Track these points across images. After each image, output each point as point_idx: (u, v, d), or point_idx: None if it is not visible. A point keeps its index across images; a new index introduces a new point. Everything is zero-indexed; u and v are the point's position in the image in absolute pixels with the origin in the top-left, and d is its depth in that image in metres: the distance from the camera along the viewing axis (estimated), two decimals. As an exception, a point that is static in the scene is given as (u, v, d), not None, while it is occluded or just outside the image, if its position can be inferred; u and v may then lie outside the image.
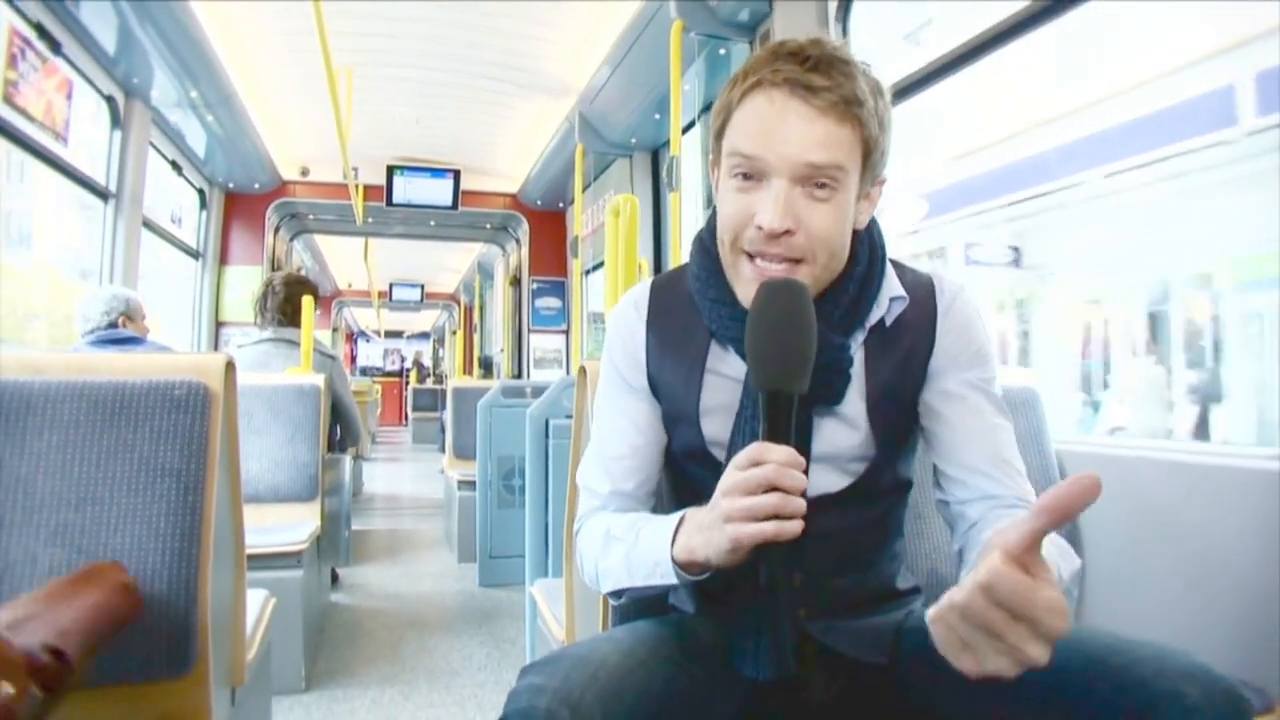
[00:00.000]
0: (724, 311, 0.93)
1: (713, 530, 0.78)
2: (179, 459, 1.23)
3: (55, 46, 3.01)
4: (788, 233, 0.84)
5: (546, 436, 2.30)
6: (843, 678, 0.96)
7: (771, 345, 0.78)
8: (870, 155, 0.87)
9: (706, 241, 0.98)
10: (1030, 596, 0.59)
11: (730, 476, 0.76)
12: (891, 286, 0.96)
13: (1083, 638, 0.77)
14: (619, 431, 1.01)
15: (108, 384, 1.22)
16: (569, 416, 2.24)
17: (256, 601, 1.70)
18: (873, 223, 0.97)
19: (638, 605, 1.03)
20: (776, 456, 0.73)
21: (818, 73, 0.83)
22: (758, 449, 0.75)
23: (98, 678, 1.14)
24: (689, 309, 0.99)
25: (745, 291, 0.89)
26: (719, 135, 0.91)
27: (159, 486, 1.21)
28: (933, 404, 0.96)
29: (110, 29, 3.13)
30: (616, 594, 0.94)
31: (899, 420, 0.96)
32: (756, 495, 0.73)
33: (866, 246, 0.95)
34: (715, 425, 0.95)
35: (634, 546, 0.89)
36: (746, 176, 0.86)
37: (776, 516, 0.73)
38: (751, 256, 0.88)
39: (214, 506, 1.25)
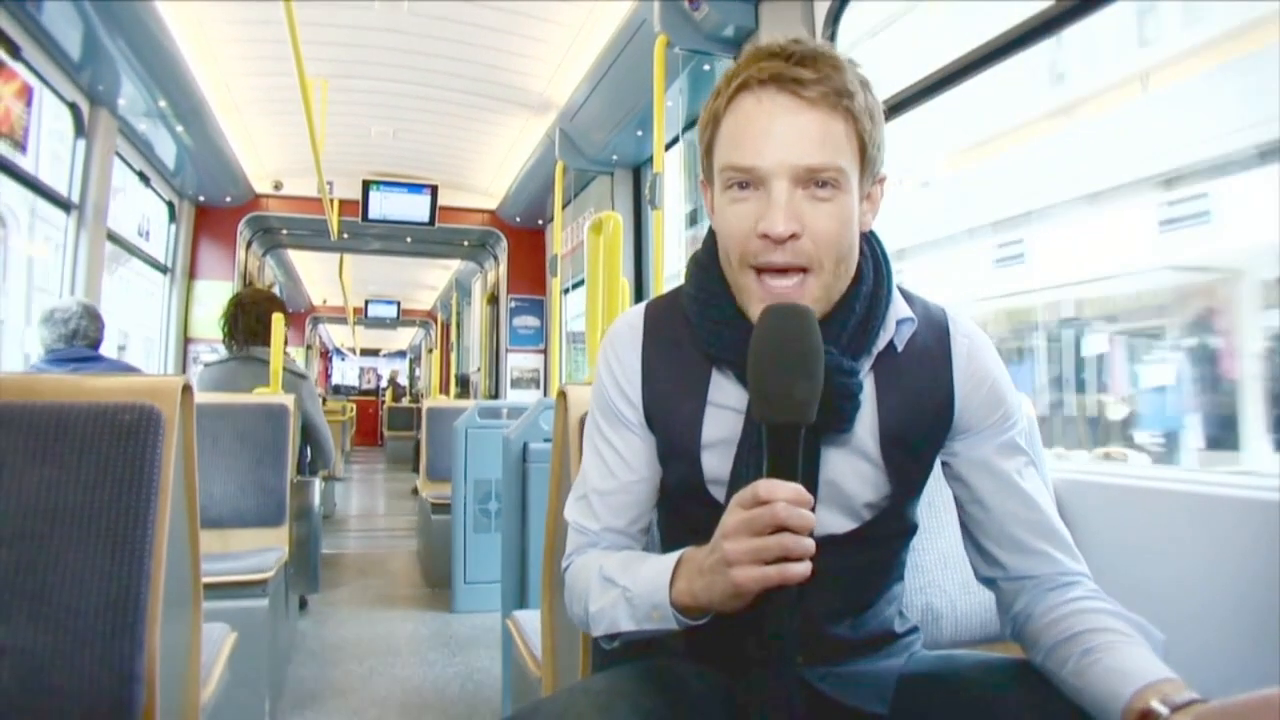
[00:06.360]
0: (728, 334, 0.87)
1: (715, 574, 0.73)
2: (126, 491, 1.14)
3: (14, 50, 2.90)
4: (794, 237, 0.79)
5: (524, 461, 2.22)
6: None
7: (776, 374, 0.72)
8: (866, 151, 0.83)
9: (705, 261, 0.92)
10: None
11: (733, 516, 0.71)
12: (899, 309, 0.90)
13: None
14: (609, 466, 0.94)
15: (46, 408, 1.13)
16: (547, 440, 2.16)
17: (215, 637, 1.60)
18: (875, 240, 0.92)
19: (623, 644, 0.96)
20: (783, 494, 0.69)
21: (804, 66, 0.80)
22: (763, 487, 0.69)
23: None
24: (687, 335, 0.92)
25: (757, 311, 0.83)
26: (709, 150, 0.87)
27: (102, 521, 1.12)
28: (961, 472, 0.92)
29: (75, 34, 3.03)
30: (610, 637, 0.87)
31: (913, 467, 0.90)
32: (762, 537, 0.68)
33: (871, 264, 0.89)
34: (715, 461, 0.89)
35: (629, 589, 0.83)
36: (743, 186, 0.82)
37: (784, 559, 0.68)
38: (759, 272, 0.82)
39: (165, 542, 1.16)
